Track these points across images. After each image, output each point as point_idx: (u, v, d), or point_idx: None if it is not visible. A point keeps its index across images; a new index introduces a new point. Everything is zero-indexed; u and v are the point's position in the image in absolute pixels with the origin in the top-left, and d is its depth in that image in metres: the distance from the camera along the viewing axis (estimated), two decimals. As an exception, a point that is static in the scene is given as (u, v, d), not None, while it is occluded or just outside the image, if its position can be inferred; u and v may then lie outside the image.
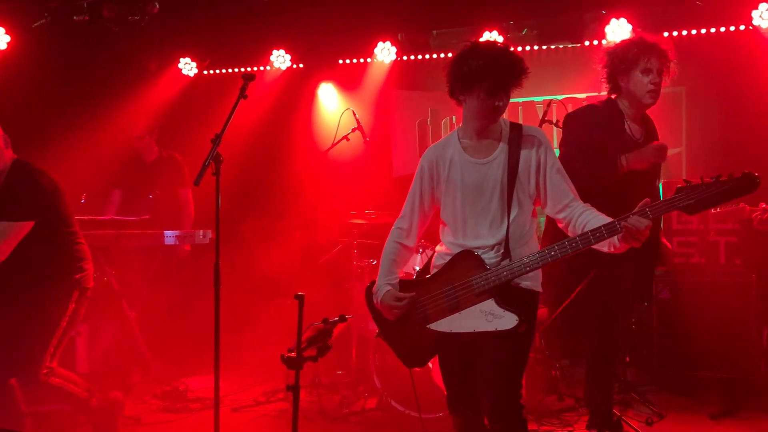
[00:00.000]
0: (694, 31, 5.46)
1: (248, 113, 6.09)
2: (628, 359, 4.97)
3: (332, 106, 6.48)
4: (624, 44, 3.49)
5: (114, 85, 6.19)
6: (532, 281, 2.66)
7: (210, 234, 4.97)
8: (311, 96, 6.55)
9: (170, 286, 5.37)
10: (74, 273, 3.62)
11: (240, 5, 5.83)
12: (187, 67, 6.62)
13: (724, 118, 5.43)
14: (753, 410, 4.31)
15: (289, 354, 2.41)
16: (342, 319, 2.50)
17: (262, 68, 6.45)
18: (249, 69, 6.43)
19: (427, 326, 2.67)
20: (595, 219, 2.55)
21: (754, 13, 5.09)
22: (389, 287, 2.77)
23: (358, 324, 4.95)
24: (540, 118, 4.88)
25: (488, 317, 2.53)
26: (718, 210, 3.84)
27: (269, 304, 5.61)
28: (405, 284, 2.80)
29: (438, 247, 2.83)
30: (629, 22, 5.38)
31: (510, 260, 2.57)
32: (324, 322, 2.48)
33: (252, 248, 5.78)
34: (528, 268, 2.54)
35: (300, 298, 2.39)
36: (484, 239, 2.64)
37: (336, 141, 5.20)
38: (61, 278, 3.58)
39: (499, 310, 2.53)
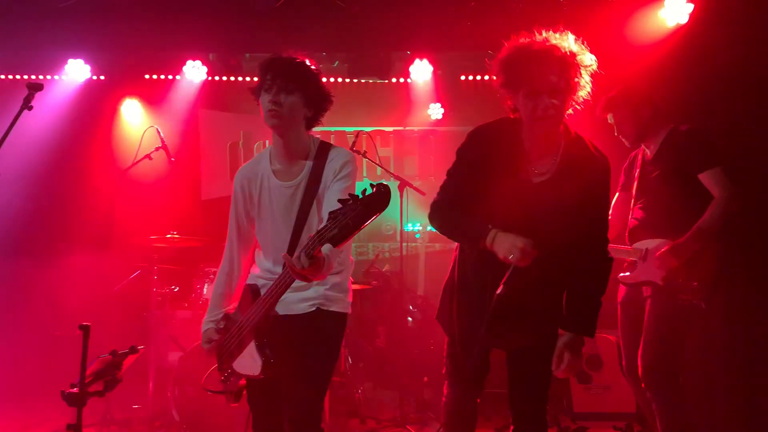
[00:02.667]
0: (487, 77, 6.01)
1: (39, 124, 5.59)
2: (426, 379, 5.25)
3: (136, 121, 6.15)
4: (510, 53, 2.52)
5: None
6: (339, 304, 2.63)
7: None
8: (113, 110, 6.15)
9: None
10: None
11: (37, 7, 5.33)
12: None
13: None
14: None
15: (71, 390, 2.21)
16: (133, 350, 2.36)
17: (57, 78, 5.93)
18: (42, 77, 5.89)
19: (232, 365, 2.61)
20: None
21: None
22: (210, 326, 2.70)
23: (157, 355, 4.69)
24: (349, 147, 5.04)
25: (253, 358, 2.45)
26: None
27: (53, 336, 5.10)
28: (225, 318, 2.71)
29: (252, 269, 2.77)
30: (430, 63, 5.79)
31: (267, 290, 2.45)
32: (113, 354, 2.32)
33: (34, 273, 5.23)
34: (273, 299, 2.39)
35: (85, 329, 2.21)
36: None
37: (137, 159, 4.92)
38: None
39: (255, 352, 2.44)
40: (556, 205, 2.47)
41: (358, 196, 1.99)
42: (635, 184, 3.62)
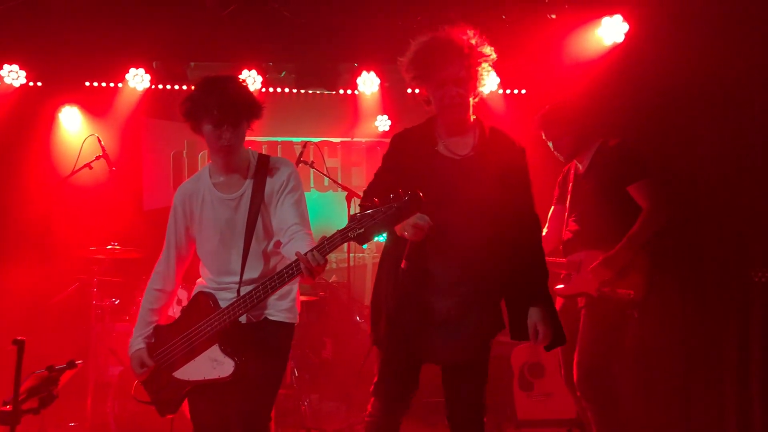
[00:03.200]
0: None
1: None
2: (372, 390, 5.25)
3: (75, 129, 5.96)
4: (415, 49, 2.67)
5: None
6: (285, 314, 2.65)
7: None
8: (50, 118, 5.95)
9: None
10: None
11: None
12: None
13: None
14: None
15: (3, 408, 2.13)
16: (71, 365, 2.29)
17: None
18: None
19: (173, 374, 2.58)
20: (294, 250, 2.36)
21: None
22: (142, 345, 2.67)
23: (96, 369, 4.56)
24: (297, 157, 5.03)
25: (214, 363, 2.47)
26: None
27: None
28: (157, 330, 2.70)
29: (198, 280, 2.77)
30: (378, 75, 5.84)
31: (237, 298, 2.48)
32: (49, 370, 2.25)
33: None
34: (252, 302, 2.41)
35: (19, 344, 2.14)
36: (232, 276, 2.60)
37: (77, 168, 4.80)
38: None
39: (221, 356, 2.46)
40: (481, 177, 2.58)
41: (390, 198, 2.13)
42: (569, 197, 3.73)
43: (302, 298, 4.27)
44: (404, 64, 2.67)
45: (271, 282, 2.37)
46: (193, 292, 2.73)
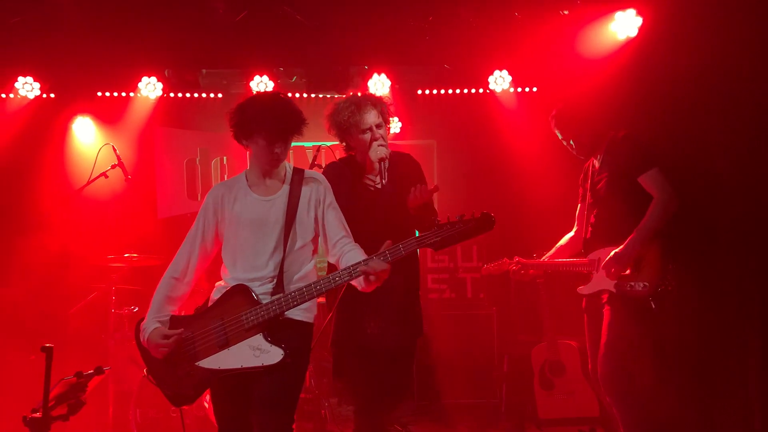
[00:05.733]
0: (443, 91, 6.10)
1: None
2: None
3: (89, 140, 5.98)
4: (337, 107, 3.36)
5: None
6: (304, 313, 2.74)
7: None
8: (64, 129, 5.98)
9: None
10: None
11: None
12: None
13: (469, 168, 6.10)
14: (496, 430, 4.80)
15: (33, 414, 2.13)
16: (99, 371, 2.30)
17: (4, 95, 5.75)
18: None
19: (196, 364, 2.62)
20: (354, 259, 2.69)
21: (490, 79, 5.85)
22: (158, 324, 2.69)
23: (116, 377, 4.56)
24: (310, 162, 5.02)
25: (256, 352, 2.56)
26: (487, 266, 4.20)
27: (6, 360, 4.90)
28: (176, 320, 2.74)
29: (217, 283, 2.83)
30: (388, 77, 5.84)
31: (282, 294, 2.63)
32: (77, 376, 2.25)
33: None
34: (295, 301, 2.60)
35: (48, 351, 2.14)
36: (260, 272, 2.69)
37: (92, 178, 4.82)
38: None
39: (266, 345, 2.56)
40: (397, 200, 3.24)
41: (470, 216, 2.59)
42: (588, 195, 3.72)
43: (319, 300, 4.26)
44: (327, 123, 3.41)
45: (326, 282, 2.61)
46: (212, 293, 2.79)
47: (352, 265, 2.61)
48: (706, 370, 4.43)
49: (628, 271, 3.45)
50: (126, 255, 4.71)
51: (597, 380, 3.60)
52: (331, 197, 2.87)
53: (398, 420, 4.83)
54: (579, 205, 3.87)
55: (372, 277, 2.57)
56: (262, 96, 2.87)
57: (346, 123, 3.28)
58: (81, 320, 4.92)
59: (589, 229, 3.67)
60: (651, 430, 3.49)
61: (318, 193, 2.83)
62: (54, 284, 5.22)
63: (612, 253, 3.44)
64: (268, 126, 2.68)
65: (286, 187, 2.81)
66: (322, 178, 2.91)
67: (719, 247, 4.30)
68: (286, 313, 2.65)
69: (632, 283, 3.44)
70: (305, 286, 2.62)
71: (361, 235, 2.89)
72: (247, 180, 2.86)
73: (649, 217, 3.41)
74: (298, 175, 2.85)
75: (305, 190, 2.80)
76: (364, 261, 2.59)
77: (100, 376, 2.29)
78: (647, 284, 3.42)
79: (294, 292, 2.61)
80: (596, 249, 3.61)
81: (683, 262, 3.62)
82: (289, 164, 2.91)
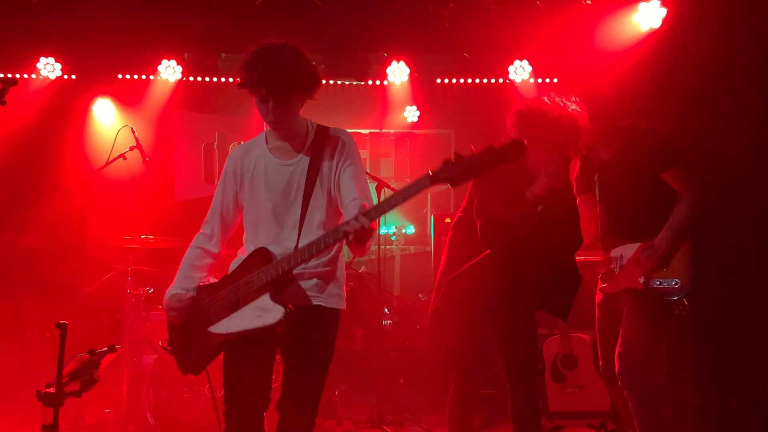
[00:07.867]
0: (462, 80, 6.06)
1: (8, 124, 5.48)
2: (402, 380, 5.25)
3: (109, 122, 6.04)
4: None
5: None
6: (334, 299, 2.59)
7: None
8: (84, 110, 6.04)
9: None
10: None
11: (7, 3, 5.22)
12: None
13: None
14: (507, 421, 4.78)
15: (47, 390, 2.16)
16: (111, 349, 2.31)
17: (27, 76, 5.81)
18: (11, 76, 5.75)
19: (208, 329, 2.50)
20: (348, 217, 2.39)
21: (510, 69, 5.80)
22: (179, 290, 2.58)
23: (130, 356, 4.62)
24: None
25: (259, 312, 2.37)
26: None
27: (24, 338, 4.98)
28: (201, 289, 2.62)
29: (239, 251, 2.70)
30: (407, 65, 5.81)
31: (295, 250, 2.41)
32: (90, 353, 2.27)
33: (3, 275, 5.11)
34: (304, 255, 2.34)
35: (62, 327, 2.16)
36: (284, 241, 2.52)
37: (111, 159, 4.85)
38: None
39: (270, 304, 2.35)
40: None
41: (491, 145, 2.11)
42: (597, 188, 3.61)
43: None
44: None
45: (326, 238, 2.30)
46: (232, 264, 2.65)
47: (332, 229, 2.32)
48: (723, 366, 4.38)
49: (651, 267, 3.38)
50: (143, 236, 4.74)
51: (608, 376, 3.56)
52: (351, 157, 2.55)
53: (408, 408, 4.85)
54: (577, 197, 3.71)
55: (351, 237, 2.22)
56: (261, 47, 2.43)
57: None
58: (97, 299, 4.97)
59: (605, 223, 3.58)
60: (667, 426, 3.45)
61: (339, 153, 2.53)
62: (71, 263, 5.28)
63: (643, 248, 3.35)
64: (259, 82, 2.35)
65: (308, 149, 2.54)
66: (347, 135, 2.60)
67: (740, 242, 4.24)
68: (319, 302, 2.53)
69: (660, 281, 3.37)
70: (314, 240, 2.35)
71: None
72: (267, 142, 2.61)
73: (681, 213, 3.32)
74: (322, 134, 2.56)
75: (328, 152, 2.52)
76: (347, 221, 2.26)
77: (113, 354, 2.31)
78: (679, 281, 3.35)
79: (303, 247, 2.36)
80: (615, 245, 3.53)
81: (706, 258, 3.56)
82: (312, 123, 2.62)
